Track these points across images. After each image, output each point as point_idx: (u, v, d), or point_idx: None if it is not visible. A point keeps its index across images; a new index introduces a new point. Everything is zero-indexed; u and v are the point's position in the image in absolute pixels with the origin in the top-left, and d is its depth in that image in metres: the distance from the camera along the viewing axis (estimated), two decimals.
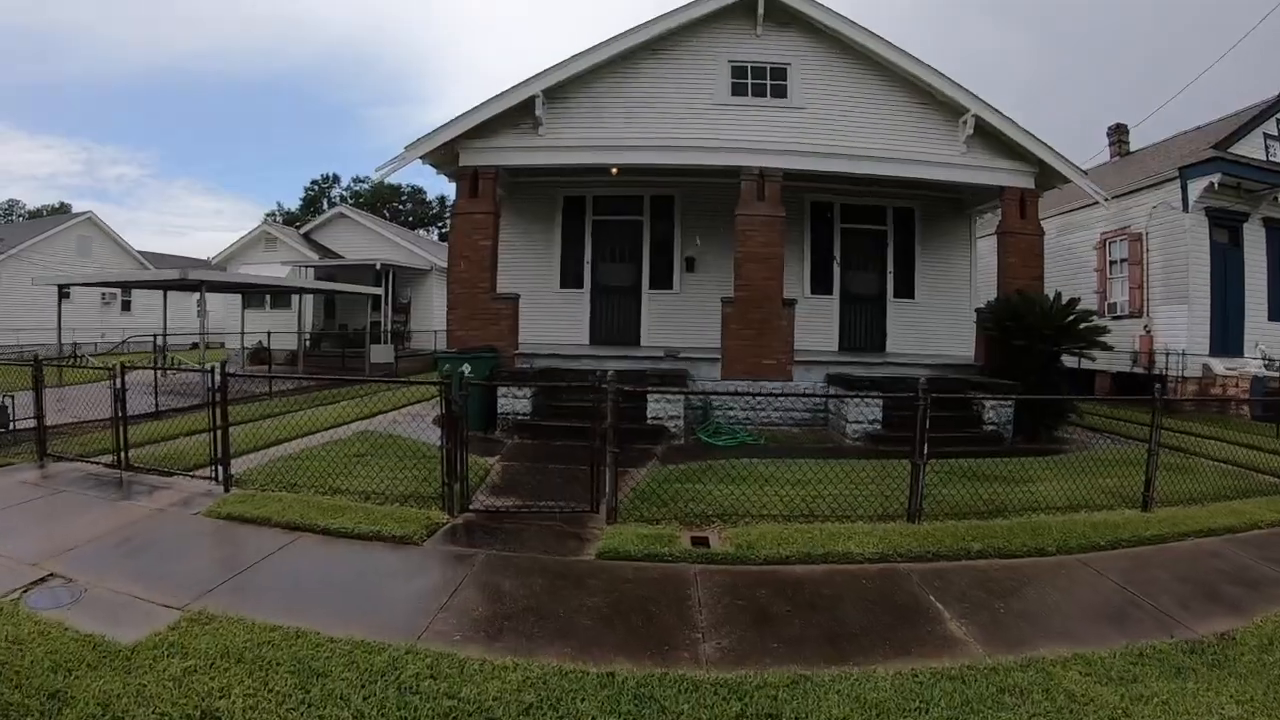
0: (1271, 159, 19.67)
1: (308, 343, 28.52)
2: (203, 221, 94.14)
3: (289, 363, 27.15)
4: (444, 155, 13.24)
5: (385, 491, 7.83)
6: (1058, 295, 13.27)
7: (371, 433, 11.40)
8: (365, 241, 33.32)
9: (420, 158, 12.97)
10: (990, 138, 13.78)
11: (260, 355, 27.18)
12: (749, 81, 13.25)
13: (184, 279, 18.15)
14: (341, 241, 33.96)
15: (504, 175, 14.87)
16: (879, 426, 11.79)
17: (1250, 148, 19.37)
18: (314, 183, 77.57)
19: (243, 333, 26.29)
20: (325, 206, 63.60)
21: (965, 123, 13.47)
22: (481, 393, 11.49)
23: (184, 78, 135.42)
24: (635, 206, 15.96)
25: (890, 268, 16.60)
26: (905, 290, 16.73)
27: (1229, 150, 18.86)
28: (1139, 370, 19.11)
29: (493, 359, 12.06)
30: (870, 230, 16.58)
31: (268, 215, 71.48)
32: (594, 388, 7.95)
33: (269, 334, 25.92)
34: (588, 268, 15.91)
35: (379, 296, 28.37)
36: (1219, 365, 18.10)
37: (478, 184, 12.90)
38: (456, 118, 12.66)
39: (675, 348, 13.84)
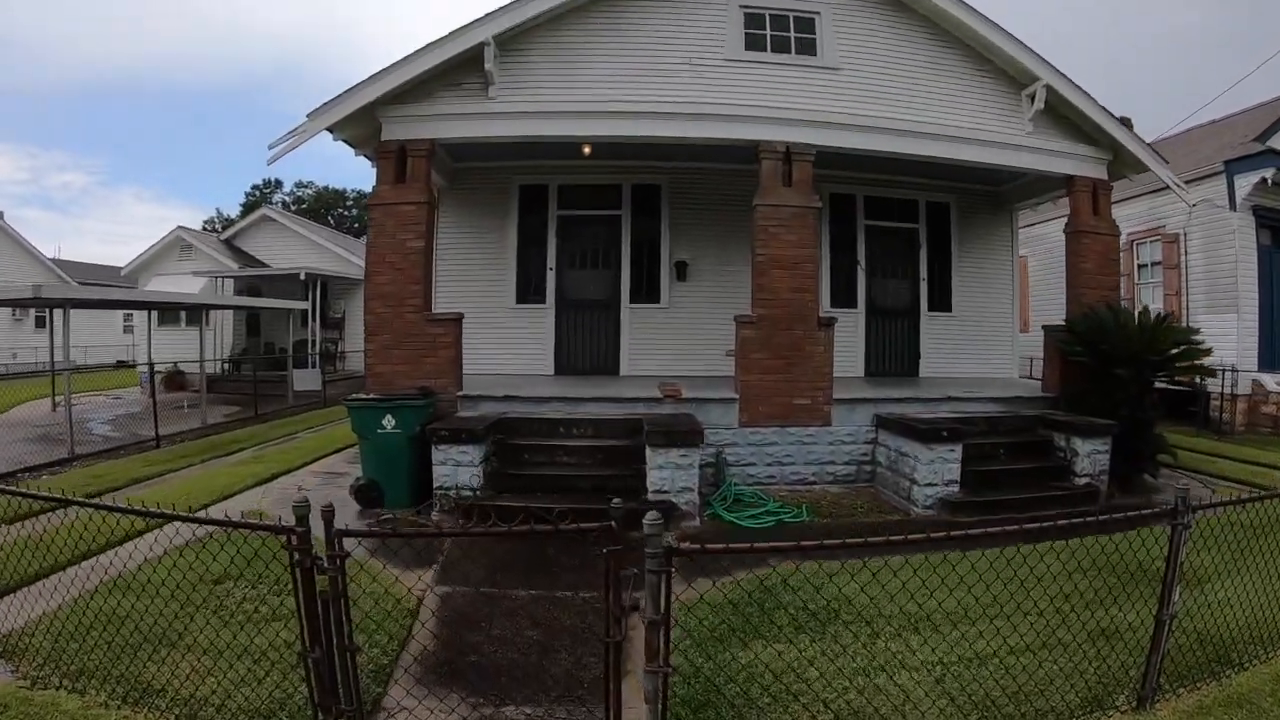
0: None
1: (225, 366, 25.04)
2: (149, 230, 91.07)
3: (207, 389, 23.25)
4: (364, 128, 9.80)
5: (229, 701, 4.29)
6: (1147, 311, 10.59)
7: (263, 514, 8.00)
8: (293, 248, 29.66)
9: (331, 131, 9.53)
10: (1058, 116, 11.00)
11: (176, 381, 23.64)
12: (768, 33, 10.07)
13: (37, 298, 14.42)
14: (268, 248, 30.29)
15: (443, 156, 11.62)
16: (955, 488, 8.75)
17: None
18: (255, 188, 72.11)
19: (151, 356, 22.16)
20: None
21: (1033, 95, 10.59)
22: (411, 455, 8.22)
23: (132, 83, 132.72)
24: (612, 198, 12.72)
25: (923, 274, 13.63)
26: (941, 302, 13.80)
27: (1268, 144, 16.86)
28: (1181, 386, 16.46)
29: (426, 406, 8.71)
30: (900, 229, 13.60)
31: (205, 223, 66.74)
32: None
33: (198, 356, 22.11)
34: (551, 276, 12.60)
35: (307, 311, 24.87)
36: (1270, 381, 15.94)
37: (406, 164, 9.54)
38: (377, 74, 9.28)
39: (673, 383, 10.56)
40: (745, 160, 10.92)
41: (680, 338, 12.55)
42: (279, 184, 73.25)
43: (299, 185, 73.75)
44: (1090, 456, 9.45)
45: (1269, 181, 15.76)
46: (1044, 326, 11.63)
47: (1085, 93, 10.80)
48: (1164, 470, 10.43)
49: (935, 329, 13.65)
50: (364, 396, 8.75)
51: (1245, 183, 15.72)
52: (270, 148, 9.45)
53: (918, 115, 10.30)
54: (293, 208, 64.59)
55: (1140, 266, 18.97)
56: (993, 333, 14.03)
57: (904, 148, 10.25)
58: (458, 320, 9.52)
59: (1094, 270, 11.22)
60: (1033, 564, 5.80)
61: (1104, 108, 10.91)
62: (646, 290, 12.68)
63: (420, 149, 9.54)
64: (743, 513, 8.31)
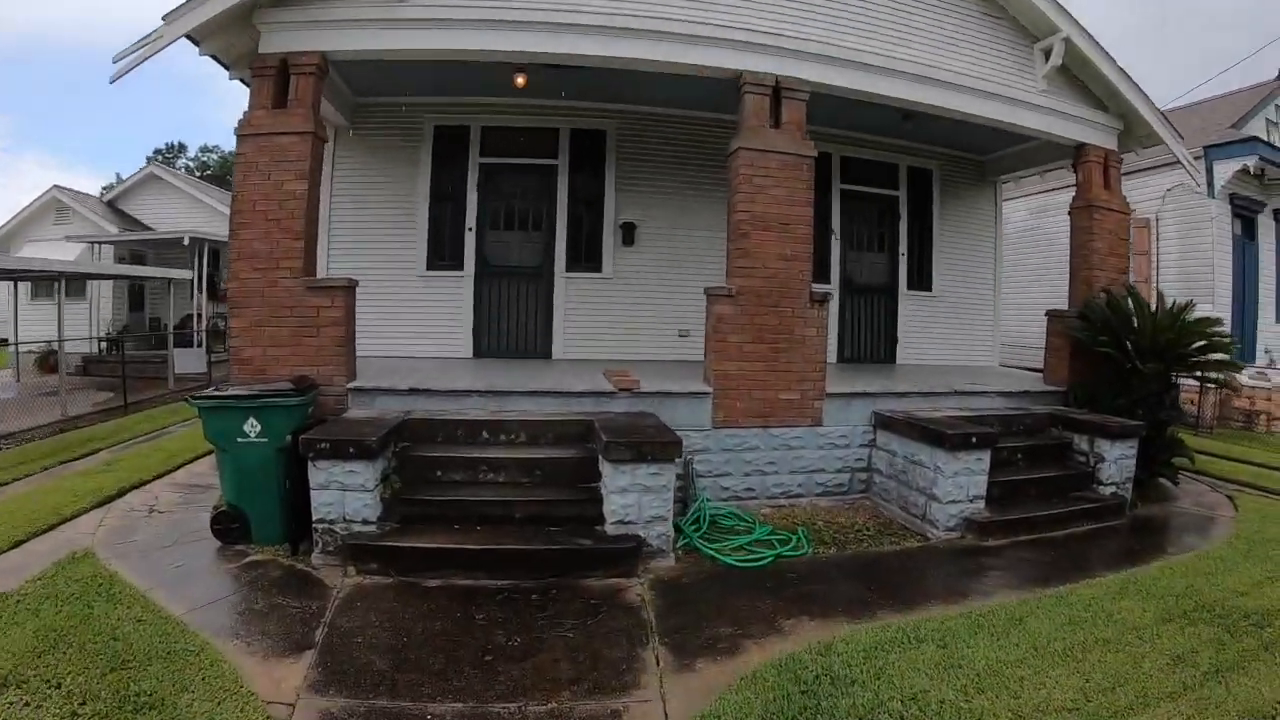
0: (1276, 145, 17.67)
1: (103, 346, 22.10)
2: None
3: (82, 371, 20.57)
4: (238, 37, 7.39)
5: None
6: (1163, 298, 9.24)
7: (89, 557, 5.73)
8: (183, 210, 26.40)
9: (196, 43, 7.19)
10: (1070, 77, 9.54)
11: (51, 363, 20.28)
12: None
13: None
14: (154, 211, 27.00)
15: (341, 87, 9.45)
16: (981, 504, 7.10)
17: (1255, 131, 17.36)
18: (157, 151, 66.47)
19: (17, 334, 18.91)
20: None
21: (1048, 50, 9.13)
22: (284, 473, 6.04)
23: (37, 43, 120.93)
24: (547, 145, 10.54)
25: (903, 247, 11.93)
26: (921, 279, 12.17)
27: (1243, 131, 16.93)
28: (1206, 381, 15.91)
29: (302, 405, 6.46)
30: (879, 196, 11.85)
31: (103, 189, 61.53)
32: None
33: (78, 333, 19.34)
34: (470, 238, 10.38)
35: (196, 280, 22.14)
36: (1241, 375, 14.91)
37: (289, 85, 7.27)
38: None
39: (624, 371, 8.58)
40: (713, 104, 9.26)
41: (626, 314, 10.57)
42: (183, 148, 68.33)
43: (204, 150, 68.83)
44: (1118, 462, 8.00)
45: (1251, 170, 15.50)
46: (1050, 312, 10.15)
47: (1104, 50, 9.29)
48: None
49: (914, 310, 12.01)
50: (218, 393, 6.45)
51: (1225, 170, 15.30)
52: (115, 61, 7.05)
53: (931, 57, 8.55)
54: (197, 174, 60.26)
55: None
56: (974, 316, 12.55)
57: (916, 95, 8.45)
58: (349, 289, 7.28)
59: (1105, 250, 9.78)
60: (1115, 612, 5.13)
61: (1123, 69, 9.45)
62: (586, 256, 10.59)
63: (307, 65, 7.24)
64: (724, 541, 6.38)
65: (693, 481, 7.28)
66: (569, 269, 10.50)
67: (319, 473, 5.78)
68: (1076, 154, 9.86)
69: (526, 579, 5.42)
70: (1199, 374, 9.27)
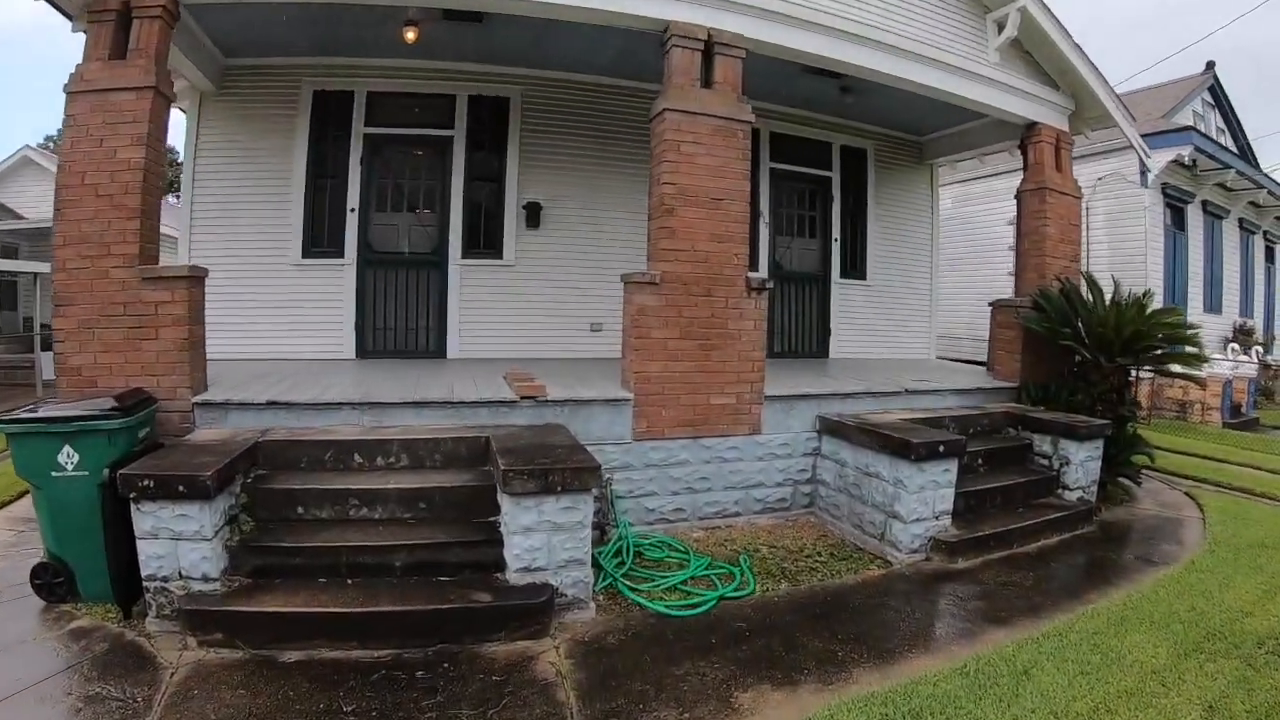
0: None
1: None
2: None
3: None
4: None
5: None
6: (1118, 288, 8.66)
7: None
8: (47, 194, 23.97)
9: None
10: (1022, 52, 8.89)
11: None
12: None
13: None
14: (31, 197, 24.22)
15: (206, 45, 8.17)
16: (948, 520, 6.21)
17: (1182, 123, 17.62)
18: (48, 139, 62.31)
19: None
20: None
21: (1003, 21, 8.40)
22: (108, 516, 4.67)
23: None
24: (442, 114, 9.21)
25: (836, 233, 11.03)
26: (855, 267, 11.35)
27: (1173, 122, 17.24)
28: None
29: (130, 426, 5.02)
30: (810, 177, 10.93)
31: None
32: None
33: None
34: (353, 220, 9.01)
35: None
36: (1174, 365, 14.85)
37: (130, 31, 5.85)
38: None
39: (527, 373, 7.42)
40: (632, 70, 8.49)
41: (532, 306, 9.38)
42: None
43: None
44: (1084, 465, 7.34)
45: (1186, 159, 15.35)
46: (997, 302, 9.52)
47: (1059, 23, 8.64)
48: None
49: (848, 300, 11.16)
50: (25, 414, 5.01)
51: (1160, 159, 14.93)
52: None
53: (882, 20, 7.63)
54: None
55: None
56: (910, 306, 11.81)
57: (865, 60, 7.53)
58: (193, 279, 5.88)
59: (1058, 236, 9.15)
60: (1126, 651, 4.42)
61: (1078, 45, 8.83)
62: (486, 241, 9.32)
63: (152, 7, 5.81)
64: (653, 581, 5.26)
65: (611, 505, 6.14)
66: (466, 255, 9.22)
67: (144, 518, 4.43)
68: (1026, 134, 9.19)
69: (411, 648, 4.22)
70: (1159, 368, 8.66)
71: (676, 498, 6.54)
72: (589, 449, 5.56)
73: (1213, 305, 17.90)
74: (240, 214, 8.79)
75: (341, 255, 8.93)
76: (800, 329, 10.85)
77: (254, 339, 8.56)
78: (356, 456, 5.45)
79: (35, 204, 23.94)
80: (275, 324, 8.71)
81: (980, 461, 7.17)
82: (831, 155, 10.99)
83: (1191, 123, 17.98)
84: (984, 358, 13.45)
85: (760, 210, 10.28)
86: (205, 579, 4.51)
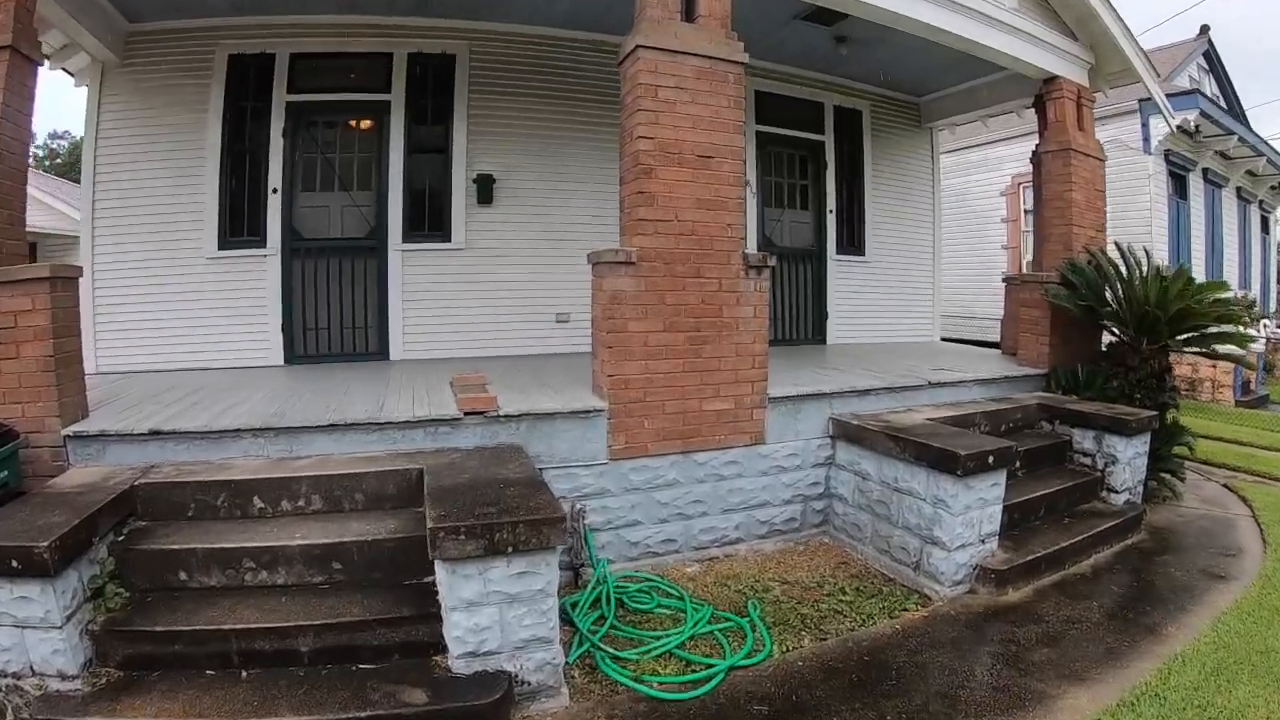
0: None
1: None
2: None
3: None
4: None
5: None
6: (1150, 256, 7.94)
7: None
8: None
9: None
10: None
11: None
12: None
13: None
14: None
15: (106, 8, 7.04)
16: (994, 543, 5.13)
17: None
18: None
19: None
20: None
21: None
22: None
23: None
24: (377, 76, 7.89)
25: (831, 204, 9.88)
26: (852, 241, 10.21)
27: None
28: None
29: None
30: (801, 141, 9.75)
31: None
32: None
33: None
34: (276, 202, 7.68)
35: None
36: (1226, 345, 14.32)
37: None
38: None
39: (477, 378, 6.24)
40: (594, 19, 7.59)
41: (487, 296, 8.15)
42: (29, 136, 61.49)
43: (53, 136, 61.65)
44: (1132, 463, 6.36)
45: (1192, 124, 14.40)
46: (1015, 277, 8.87)
47: None
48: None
49: (846, 279, 10.04)
50: None
51: (1163, 125, 13.71)
52: None
53: None
54: (46, 163, 54.13)
55: (1027, 213, 16.46)
56: (912, 285, 10.74)
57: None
58: (60, 282, 4.57)
59: (1083, 203, 8.11)
60: (1233, 705, 3.56)
61: None
62: (431, 221, 8.03)
63: None
64: (644, 645, 4.10)
65: (586, 542, 4.95)
66: (409, 239, 7.92)
67: None
68: (1045, 89, 8.14)
69: None
70: (1206, 350, 7.68)
71: (665, 526, 5.35)
72: (555, 475, 4.42)
73: (1214, 277, 16.75)
74: (147, 201, 7.44)
75: (263, 244, 7.60)
76: (794, 313, 9.70)
77: (166, 347, 7.33)
78: (257, 500, 4.21)
79: None
80: (190, 328, 7.42)
81: (1019, 465, 6.07)
82: (824, 117, 9.82)
83: (1189, 87, 17.02)
84: (986, 338, 12.52)
85: (747, 178, 9.09)
86: (62, 676, 3.42)
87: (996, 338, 14.97)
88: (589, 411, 5.08)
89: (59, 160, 57.11)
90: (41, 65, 5.02)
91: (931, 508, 4.93)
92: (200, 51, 7.65)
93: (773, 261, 5.58)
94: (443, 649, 3.51)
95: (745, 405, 5.53)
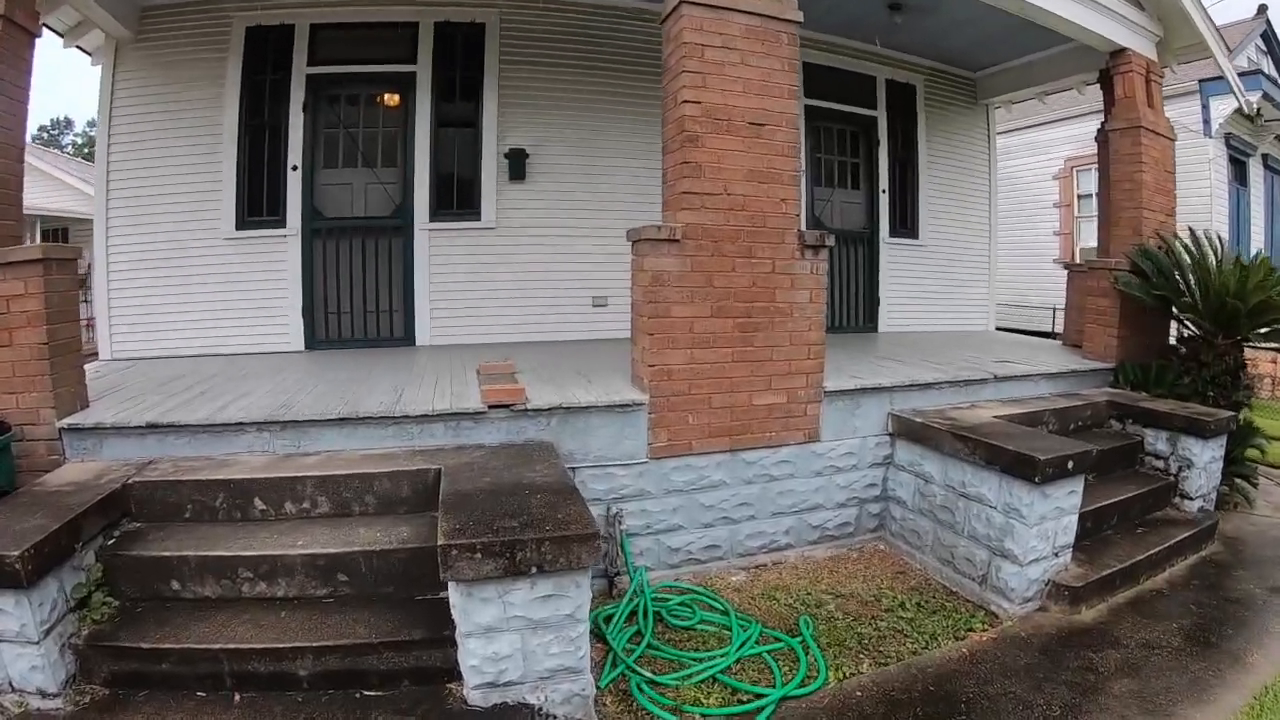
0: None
1: None
2: None
3: None
4: None
5: None
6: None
7: None
8: (34, 185, 22.41)
9: None
10: None
11: None
12: None
13: None
14: None
15: None
16: (1068, 556, 4.63)
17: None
18: (41, 129, 60.36)
19: None
20: None
21: None
22: None
23: None
24: (402, 47, 7.44)
25: (883, 183, 9.30)
26: (906, 224, 9.61)
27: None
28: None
29: None
30: (852, 116, 9.16)
31: None
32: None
33: None
34: (296, 180, 7.29)
35: None
36: None
37: None
38: None
39: (504, 367, 5.81)
40: None
41: (519, 278, 7.70)
42: (69, 123, 62.51)
43: (91, 124, 63.56)
44: (1207, 468, 5.81)
45: (1255, 105, 13.53)
46: (1079, 265, 8.33)
47: None
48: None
49: (899, 263, 9.47)
50: None
51: (1224, 106, 13.30)
52: None
53: None
54: (86, 150, 55.21)
55: (1081, 197, 15.95)
56: (966, 269, 10.13)
57: None
58: (53, 263, 4.19)
59: (1153, 185, 7.48)
60: None
61: None
62: (460, 199, 7.60)
63: None
64: (684, 669, 3.64)
65: (622, 547, 4.51)
66: (436, 218, 7.49)
67: None
68: (1112, 63, 7.49)
69: None
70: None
71: (709, 531, 4.89)
72: (589, 475, 3.99)
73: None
74: (162, 180, 7.11)
75: (283, 224, 7.22)
76: (845, 298, 9.15)
77: (181, 332, 7.01)
78: (258, 502, 3.81)
79: None
80: (206, 312, 7.08)
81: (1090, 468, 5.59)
82: (876, 91, 9.22)
83: (1249, 68, 16.23)
84: (1034, 327, 11.89)
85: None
86: (42, 694, 3.12)
87: (1045, 327, 14.49)
88: (628, 405, 4.62)
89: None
90: (39, 37, 4.70)
91: (1003, 516, 4.43)
92: (216, 24, 7.28)
93: (830, 241, 5.06)
94: (458, 676, 3.09)
95: (799, 399, 5.04)
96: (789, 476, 5.10)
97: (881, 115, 9.24)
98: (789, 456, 5.08)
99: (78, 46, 7.35)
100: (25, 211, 14.59)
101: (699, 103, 4.55)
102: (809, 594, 4.63)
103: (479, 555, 2.82)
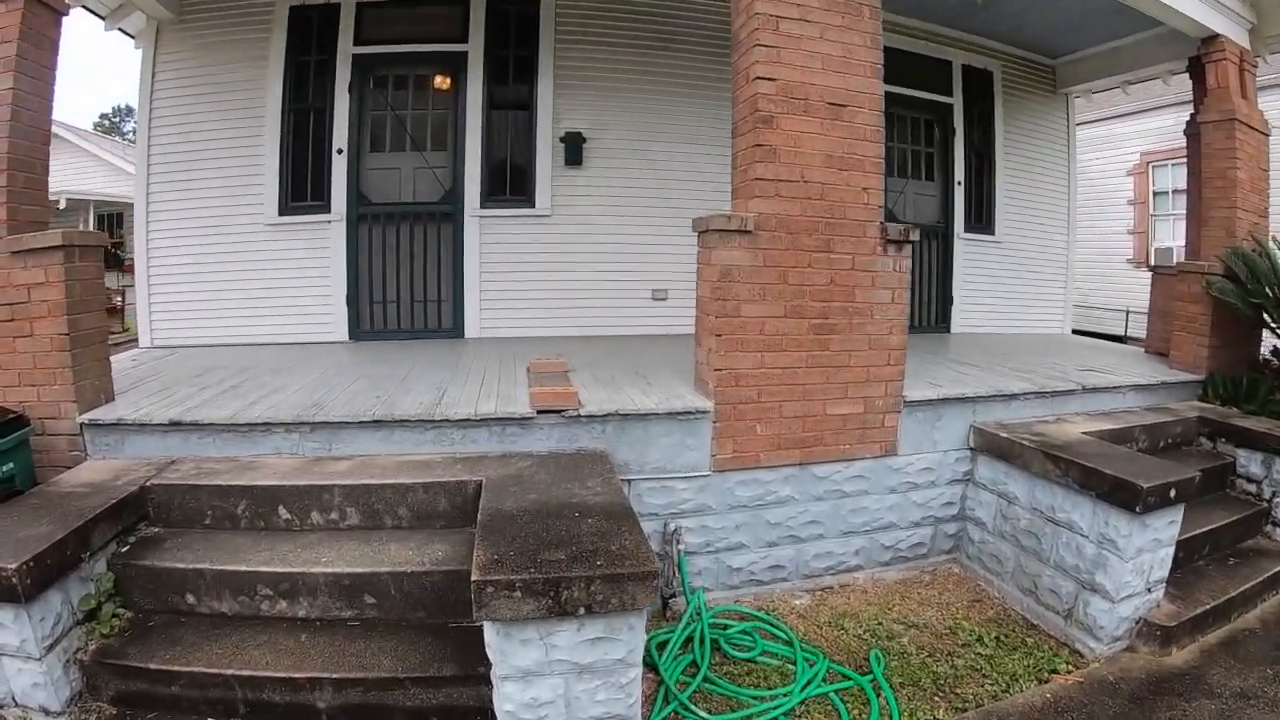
0: None
1: None
2: None
3: None
4: None
5: None
6: None
7: None
8: (86, 171, 22.62)
9: None
10: None
11: None
12: None
13: None
14: (56, 173, 22.93)
15: None
16: (1161, 592, 4.12)
17: None
18: (103, 116, 61.90)
19: None
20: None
21: None
22: None
23: None
24: (452, 27, 7.12)
25: (959, 175, 8.78)
26: (981, 219, 9.05)
27: None
28: None
29: None
30: (926, 103, 8.64)
31: None
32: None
33: None
34: (341, 164, 7.04)
35: None
36: None
37: None
38: None
39: (557, 365, 5.46)
40: None
41: (574, 268, 7.38)
42: (130, 111, 64.36)
43: None
44: None
45: None
46: (1174, 267, 7.43)
47: None
48: None
49: (974, 260, 8.95)
50: None
51: None
52: None
53: None
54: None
55: (1156, 195, 15.13)
56: (1044, 269, 9.53)
57: None
58: (75, 251, 3.94)
59: (1248, 184, 6.85)
60: None
61: None
62: (513, 185, 7.30)
63: None
64: (745, 710, 3.25)
65: (679, 567, 4.12)
66: (487, 204, 7.19)
67: None
68: (1204, 50, 6.86)
69: None
70: None
71: (774, 550, 4.49)
72: (646, 488, 3.60)
73: None
74: (203, 165, 6.95)
75: (327, 209, 6.97)
76: (917, 296, 8.61)
77: (221, 320, 6.88)
78: (283, 510, 3.50)
79: (60, 180, 22.87)
80: (247, 301, 6.92)
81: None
82: (952, 77, 8.68)
83: None
84: (1104, 330, 11.20)
85: None
86: (45, 712, 2.91)
87: (1116, 330, 13.79)
88: (691, 413, 4.23)
89: None
90: (66, 15, 4.43)
91: (1096, 547, 3.96)
92: (259, 4, 7.07)
93: (915, 236, 4.61)
94: (492, 718, 2.73)
95: (877, 409, 4.61)
96: (862, 493, 4.67)
97: (958, 102, 8.70)
98: (863, 471, 4.65)
99: (120, 29, 7.15)
100: (82, 197, 14.68)
101: (774, 79, 4.11)
102: (879, 623, 4.20)
103: (519, 594, 2.44)
